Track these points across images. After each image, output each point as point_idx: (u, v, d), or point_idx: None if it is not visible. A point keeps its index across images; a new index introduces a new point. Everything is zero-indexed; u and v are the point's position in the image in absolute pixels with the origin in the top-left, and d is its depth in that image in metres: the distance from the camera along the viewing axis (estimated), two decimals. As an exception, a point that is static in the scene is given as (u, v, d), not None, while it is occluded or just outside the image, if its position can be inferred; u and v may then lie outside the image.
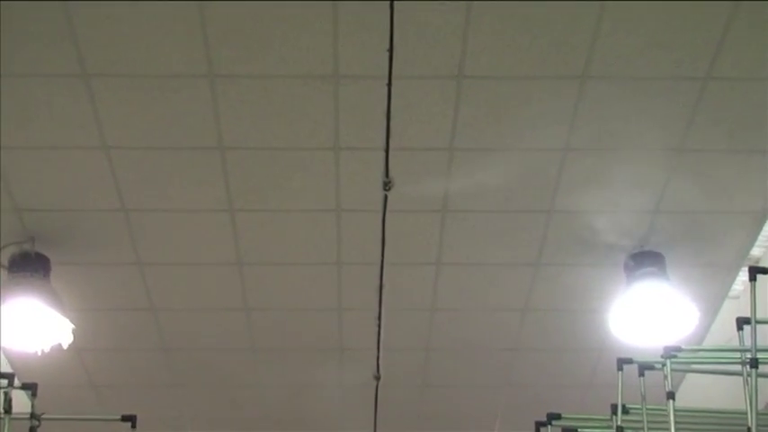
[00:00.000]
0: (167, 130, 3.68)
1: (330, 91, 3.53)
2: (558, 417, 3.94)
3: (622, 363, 3.78)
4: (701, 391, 4.51)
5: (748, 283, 3.63)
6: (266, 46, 3.37)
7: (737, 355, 3.61)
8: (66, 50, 3.34)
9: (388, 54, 3.34)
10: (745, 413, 3.42)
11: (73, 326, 4.21)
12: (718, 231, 4.21)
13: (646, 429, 3.68)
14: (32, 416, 3.78)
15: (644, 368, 3.70)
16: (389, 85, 3.45)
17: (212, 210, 4.06)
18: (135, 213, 4.07)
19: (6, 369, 4.40)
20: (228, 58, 3.41)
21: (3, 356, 4.61)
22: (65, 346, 4.24)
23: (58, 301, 4.14)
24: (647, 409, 3.70)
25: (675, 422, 3.48)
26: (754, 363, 3.47)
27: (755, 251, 4.41)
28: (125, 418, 4.00)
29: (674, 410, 3.49)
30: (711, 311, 4.64)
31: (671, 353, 3.61)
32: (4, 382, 3.71)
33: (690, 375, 4.70)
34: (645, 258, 4.20)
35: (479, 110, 3.62)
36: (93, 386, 5.20)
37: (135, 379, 5.16)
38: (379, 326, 4.67)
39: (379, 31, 3.28)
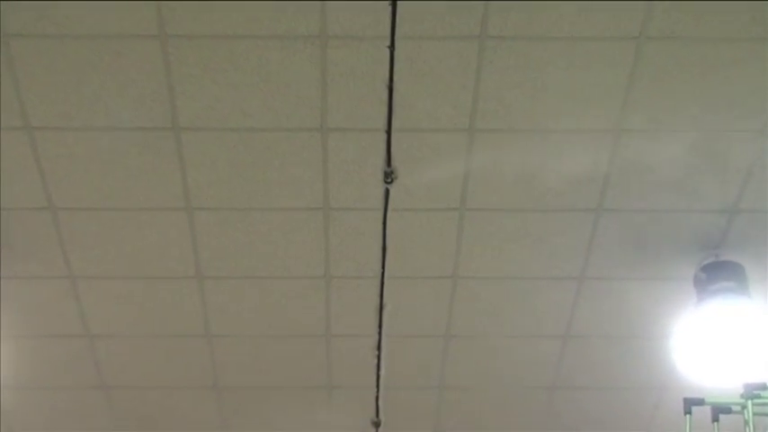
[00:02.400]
0: (107, 106, 3.67)
1: (316, 55, 3.52)
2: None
3: (691, 404, 3.77)
4: (792, 441, 4.52)
5: None
6: (234, -2, 3.37)
7: (839, 394, 3.62)
8: (-23, 4, 3.34)
9: (390, 7, 3.34)
10: None
11: (-14, 357, 4.23)
12: (814, 235, 4.22)
13: (721, 488, 3.70)
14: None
15: (719, 411, 3.70)
16: (392, 47, 3.46)
17: (165, 208, 4.06)
18: (66, 213, 4.07)
19: None
20: (184, 13, 3.40)
21: None
22: (-24, 383, 4.27)
23: (-33, 325, 4.16)
24: (722, 462, 3.72)
25: (759, 479, 3.51)
26: None
27: None
28: (53, 475, 4.04)
29: (757, 464, 3.53)
30: (805, 338, 4.65)
31: (753, 392, 3.62)
32: None
33: (777, 420, 4.71)
34: (720, 270, 4.21)
35: (507, 79, 3.62)
36: (13, 434, 5.22)
37: (66, 424, 5.15)
38: (379, 357, 4.69)
39: (378, -22, 3.30)
